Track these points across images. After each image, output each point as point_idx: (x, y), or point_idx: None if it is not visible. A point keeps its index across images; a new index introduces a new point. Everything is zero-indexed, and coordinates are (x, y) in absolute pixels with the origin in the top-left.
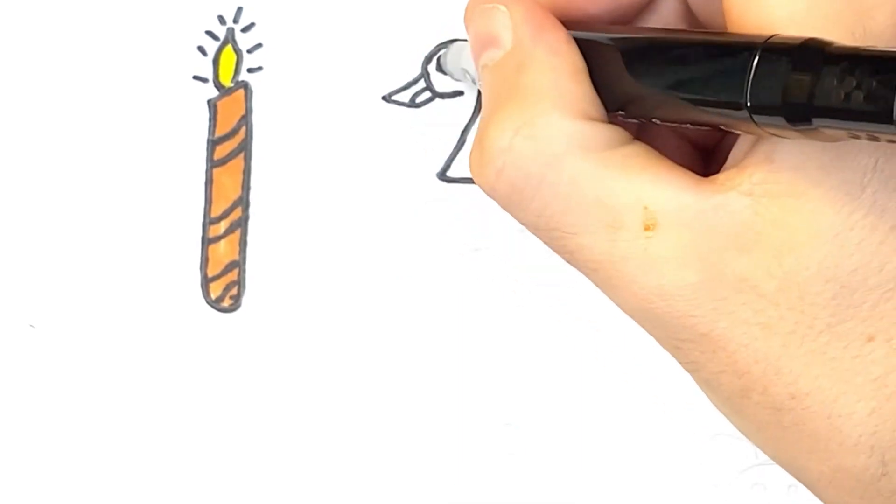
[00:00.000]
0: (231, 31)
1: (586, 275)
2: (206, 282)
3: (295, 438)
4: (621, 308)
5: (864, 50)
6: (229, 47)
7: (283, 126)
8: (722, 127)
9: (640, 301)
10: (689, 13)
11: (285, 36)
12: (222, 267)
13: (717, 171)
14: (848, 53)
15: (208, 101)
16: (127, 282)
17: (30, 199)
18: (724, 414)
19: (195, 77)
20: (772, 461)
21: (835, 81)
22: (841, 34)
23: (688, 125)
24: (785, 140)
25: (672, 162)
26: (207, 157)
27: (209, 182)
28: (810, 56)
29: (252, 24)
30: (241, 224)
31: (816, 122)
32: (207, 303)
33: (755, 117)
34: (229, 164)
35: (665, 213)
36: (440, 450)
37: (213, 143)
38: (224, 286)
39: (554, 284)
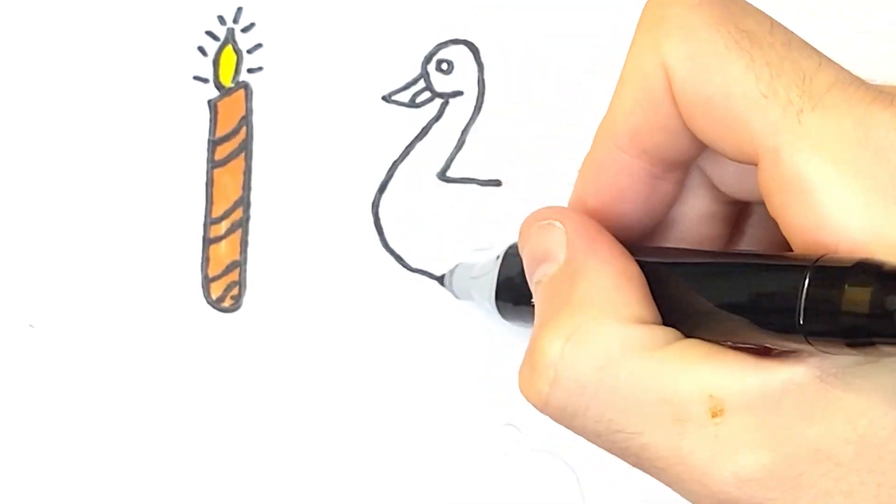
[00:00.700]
0: (231, 32)
1: (654, 475)
2: (206, 282)
3: (295, 438)
4: None
5: None
6: (229, 47)
7: (283, 126)
8: (782, 348)
9: (714, 492)
10: (718, 195)
11: (285, 36)
12: (223, 267)
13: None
14: None
15: (209, 102)
16: (127, 282)
17: (30, 199)
18: None
19: (195, 77)
20: None
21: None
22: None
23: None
24: None
25: (728, 349)
26: (208, 157)
27: (210, 182)
28: (865, 275)
29: (252, 25)
30: (242, 224)
31: (877, 342)
32: (208, 303)
33: (813, 342)
34: (230, 164)
35: (731, 398)
36: (440, 450)
37: (213, 144)
38: (225, 286)
39: None
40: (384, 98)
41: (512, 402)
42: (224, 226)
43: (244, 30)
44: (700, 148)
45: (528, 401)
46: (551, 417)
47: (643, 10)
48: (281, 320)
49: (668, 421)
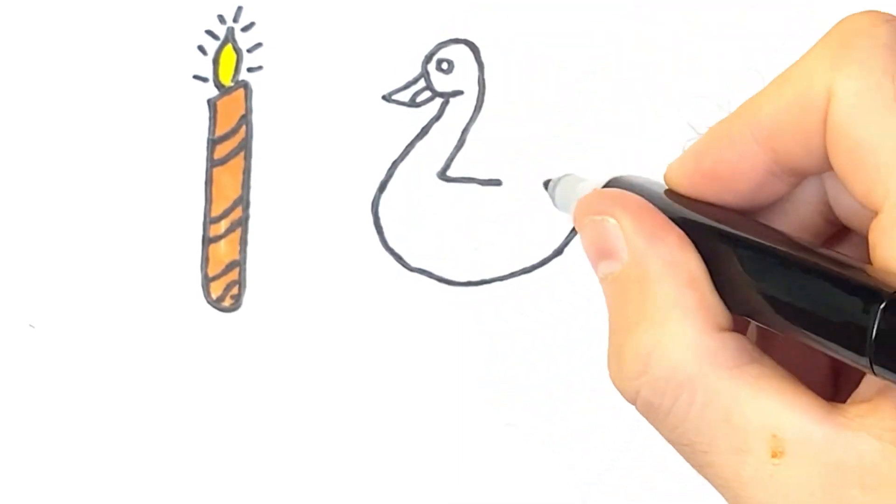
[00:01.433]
0: (231, 31)
1: (716, 488)
2: (206, 281)
3: (295, 437)
4: None
5: None
6: (229, 47)
7: (283, 125)
8: (841, 360)
9: None
10: (827, 211)
11: (285, 35)
12: (223, 266)
13: (845, 383)
14: None
15: (208, 101)
16: (127, 281)
17: (30, 200)
18: None
19: (195, 76)
20: None
21: None
22: None
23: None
24: None
25: (800, 384)
26: (207, 156)
27: (209, 181)
28: None
29: (252, 24)
30: (242, 223)
31: None
32: (208, 302)
33: (876, 368)
34: (229, 163)
35: (793, 443)
36: (441, 450)
37: (213, 143)
38: (225, 286)
39: (554, 285)
40: (384, 97)
41: (512, 402)
42: (223, 225)
43: (244, 29)
44: (828, 168)
45: (618, 391)
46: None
47: (835, 25)
48: (281, 320)
49: (731, 448)
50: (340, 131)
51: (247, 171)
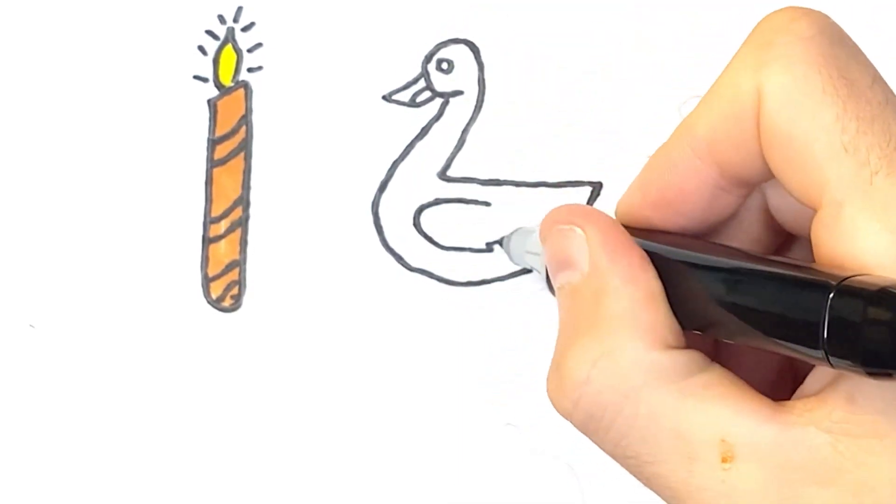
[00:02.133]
0: (231, 31)
1: (664, 500)
2: (206, 281)
3: (295, 438)
4: None
5: None
6: (229, 47)
7: (283, 125)
8: (798, 358)
9: None
10: (771, 221)
11: (285, 35)
12: (223, 266)
13: (795, 377)
14: None
15: (208, 101)
16: (127, 282)
17: (30, 200)
18: None
19: (195, 76)
20: None
21: None
22: None
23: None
24: (865, 380)
25: (748, 388)
26: (208, 156)
27: (209, 181)
28: (890, 301)
29: (252, 24)
30: (242, 223)
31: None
32: (208, 302)
33: (832, 360)
34: (229, 163)
35: (742, 446)
36: (441, 450)
37: (213, 143)
38: (225, 286)
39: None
40: (384, 97)
41: (512, 402)
42: (223, 225)
43: (244, 29)
44: (771, 174)
45: (554, 407)
46: (574, 427)
47: (755, 26)
48: (281, 320)
49: (679, 457)
50: (340, 131)
51: (247, 172)
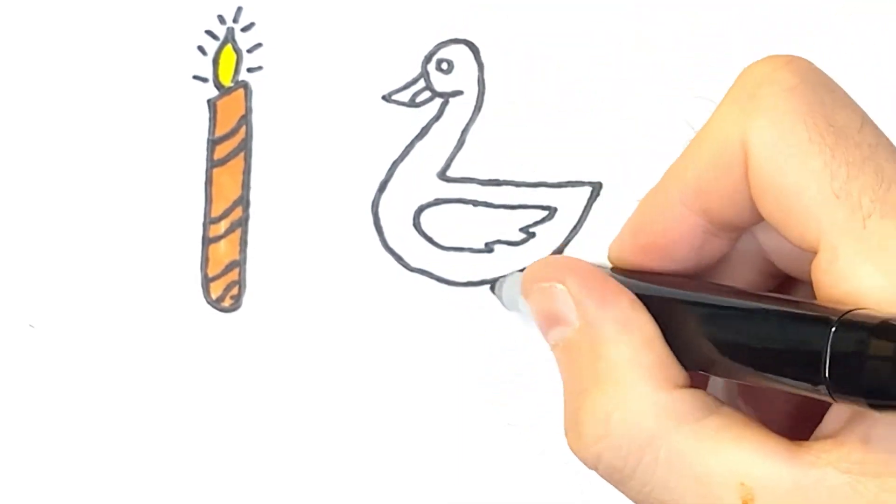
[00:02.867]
0: (231, 31)
1: None
2: (206, 281)
3: (295, 438)
4: None
5: None
6: (229, 47)
7: (283, 125)
8: (801, 394)
9: None
10: (768, 264)
11: (285, 35)
12: (223, 267)
13: (813, 415)
14: None
15: (208, 101)
16: (127, 282)
17: (30, 200)
18: None
19: (195, 77)
20: None
21: None
22: None
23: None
24: (880, 420)
25: (763, 428)
26: (207, 156)
27: (209, 182)
28: (891, 333)
29: (252, 24)
30: (242, 224)
31: None
32: (208, 303)
33: (835, 396)
34: (229, 163)
35: (762, 488)
36: (442, 450)
37: (213, 143)
38: (224, 286)
39: None
40: (384, 97)
41: (512, 402)
42: (223, 225)
43: (244, 29)
44: (760, 219)
45: (578, 459)
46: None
47: (738, 76)
48: (281, 320)
49: (701, 501)
50: (340, 131)
51: (247, 172)
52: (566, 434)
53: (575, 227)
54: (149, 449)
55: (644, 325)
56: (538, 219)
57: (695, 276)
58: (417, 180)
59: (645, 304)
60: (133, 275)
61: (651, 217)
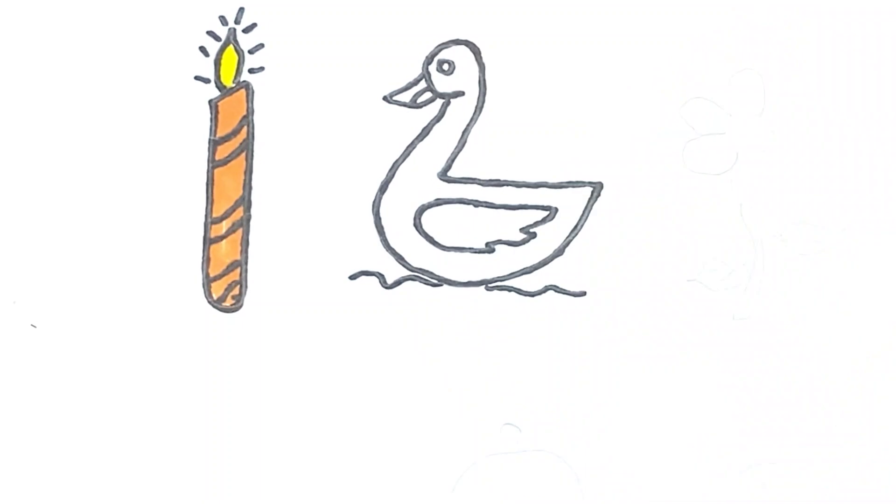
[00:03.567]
0: (233, 32)
1: None
2: (207, 281)
3: (295, 437)
4: None
5: None
6: (231, 48)
7: (284, 126)
8: None
9: None
10: None
11: (287, 36)
12: (224, 266)
13: None
14: None
15: (210, 102)
16: (128, 281)
17: (31, 200)
18: None
19: (196, 77)
20: (772, 461)
21: None
22: None
23: None
24: None
25: None
26: (209, 156)
27: (210, 182)
28: None
29: (254, 25)
30: (243, 224)
31: None
32: (209, 302)
33: None
34: (231, 163)
35: None
36: (441, 450)
37: (214, 143)
38: (226, 286)
39: (555, 284)
40: (385, 98)
41: (512, 401)
42: (225, 225)
43: (246, 30)
44: None
45: None
46: None
47: None
48: (282, 320)
49: None
50: (341, 132)
51: (248, 172)
52: None
53: (575, 227)
54: (150, 447)
55: None
56: (539, 219)
57: None
58: (418, 181)
59: None
60: (134, 274)
61: None
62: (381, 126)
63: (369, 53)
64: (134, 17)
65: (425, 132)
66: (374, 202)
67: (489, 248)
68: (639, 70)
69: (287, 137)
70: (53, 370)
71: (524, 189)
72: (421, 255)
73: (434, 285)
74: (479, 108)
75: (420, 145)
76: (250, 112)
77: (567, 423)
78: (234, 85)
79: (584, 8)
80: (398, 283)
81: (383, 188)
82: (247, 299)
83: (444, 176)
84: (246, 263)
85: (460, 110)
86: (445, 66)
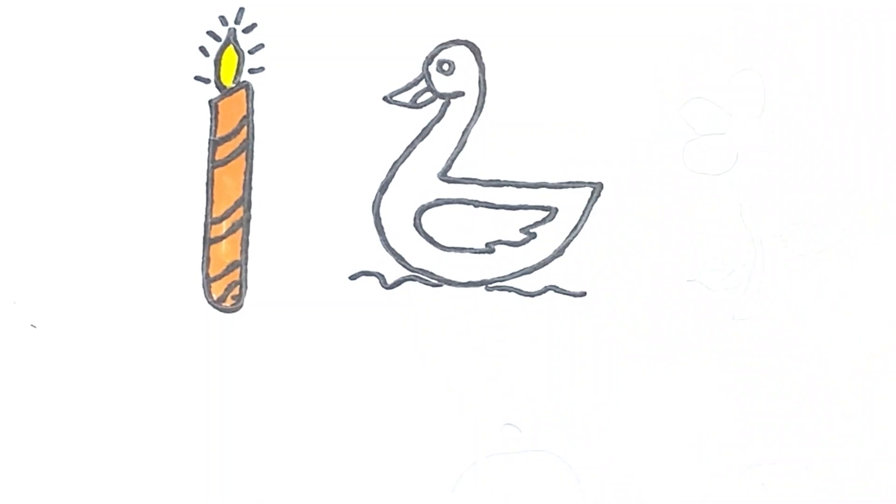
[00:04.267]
0: (233, 32)
1: None
2: (207, 282)
3: (296, 438)
4: None
5: None
6: (231, 48)
7: (284, 126)
8: None
9: None
10: None
11: (287, 37)
12: (224, 267)
13: None
14: None
15: (210, 102)
16: (128, 282)
17: (31, 200)
18: None
19: (196, 77)
20: (772, 461)
21: None
22: None
23: None
24: None
25: None
26: (209, 157)
27: (210, 182)
28: None
29: (254, 25)
30: (243, 224)
31: None
32: (209, 302)
33: None
34: (231, 164)
35: None
36: (441, 450)
37: (214, 144)
38: (226, 286)
39: (555, 284)
40: (385, 98)
41: (512, 402)
42: (225, 225)
43: (246, 30)
44: None
45: None
46: None
47: None
48: (282, 320)
49: None
50: (341, 132)
51: (248, 172)
52: None
53: (575, 227)
54: (150, 447)
55: None
56: (539, 219)
57: None
58: (418, 181)
59: None
60: (135, 275)
61: None
62: (381, 126)
63: (369, 53)
64: (134, 18)
65: (425, 132)
66: (374, 202)
67: (489, 249)
68: (639, 70)
69: (287, 137)
70: (53, 370)
71: (524, 189)
72: (421, 255)
73: (434, 285)
74: (479, 108)
75: (420, 145)
76: (250, 112)
77: (567, 423)
78: (234, 85)
79: (584, 8)
80: (398, 283)
81: (383, 188)
82: (247, 299)
83: (444, 176)
84: (246, 264)
85: (460, 110)
86: (445, 67)
